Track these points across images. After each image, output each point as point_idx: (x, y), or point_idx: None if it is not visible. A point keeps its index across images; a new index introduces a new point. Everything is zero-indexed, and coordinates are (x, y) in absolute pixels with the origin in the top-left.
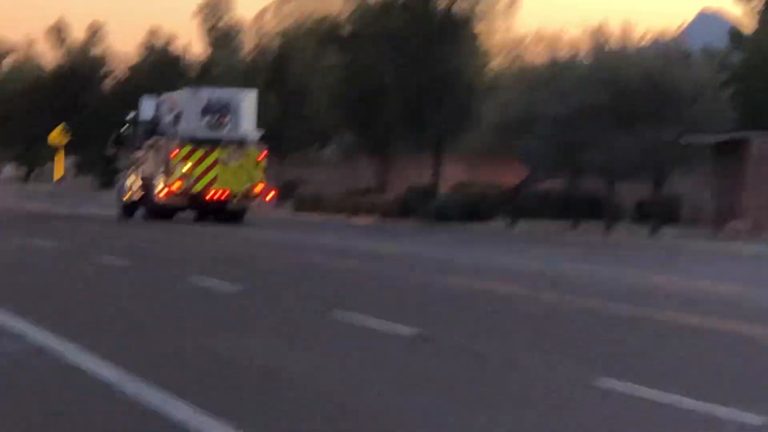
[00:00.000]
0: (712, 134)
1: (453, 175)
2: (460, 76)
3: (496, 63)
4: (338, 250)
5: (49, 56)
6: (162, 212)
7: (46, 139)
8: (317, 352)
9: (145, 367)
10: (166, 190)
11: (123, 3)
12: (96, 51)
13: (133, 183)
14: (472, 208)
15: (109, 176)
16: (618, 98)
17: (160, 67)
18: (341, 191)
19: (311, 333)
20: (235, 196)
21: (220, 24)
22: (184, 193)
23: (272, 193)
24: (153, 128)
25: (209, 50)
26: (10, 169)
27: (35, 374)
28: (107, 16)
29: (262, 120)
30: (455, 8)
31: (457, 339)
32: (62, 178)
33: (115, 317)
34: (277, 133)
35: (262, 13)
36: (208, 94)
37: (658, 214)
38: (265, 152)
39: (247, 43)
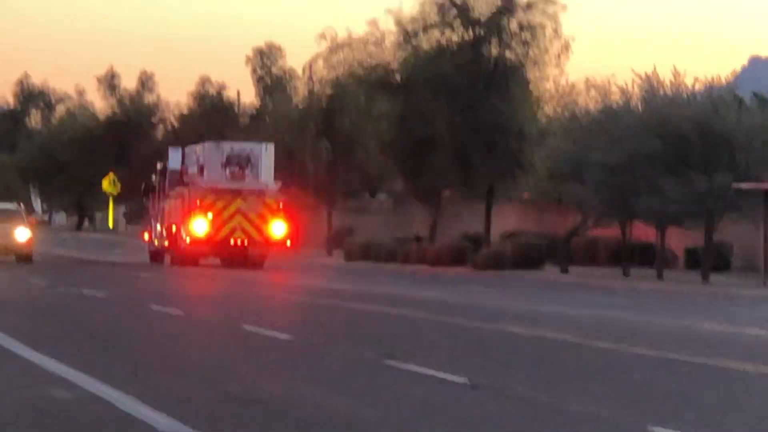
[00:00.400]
0: (763, 181)
1: (504, 222)
2: (511, 122)
3: (547, 109)
4: (390, 298)
5: (100, 105)
6: (187, 258)
7: (97, 187)
8: (370, 399)
9: (198, 415)
10: (190, 237)
11: (174, 52)
12: (147, 99)
13: (160, 230)
14: (524, 255)
15: None
16: (669, 144)
17: (212, 115)
18: (392, 239)
19: (364, 380)
20: (255, 244)
21: (272, 72)
22: (208, 240)
23: (289, 241)
24: (179, 178)
25: (260, 98)
26: (62, 217)
27: (89, 422)
28: (158, 65)
29: (313, 169)
30: (506, 55)
31: (509, 386)
32: (113, 227)
33: (169, 365)
34: (328, 181)
35: (313, 60)
36: (229, 147)
37: (709, 260)
38: (283, 202)
39: (299, 91)
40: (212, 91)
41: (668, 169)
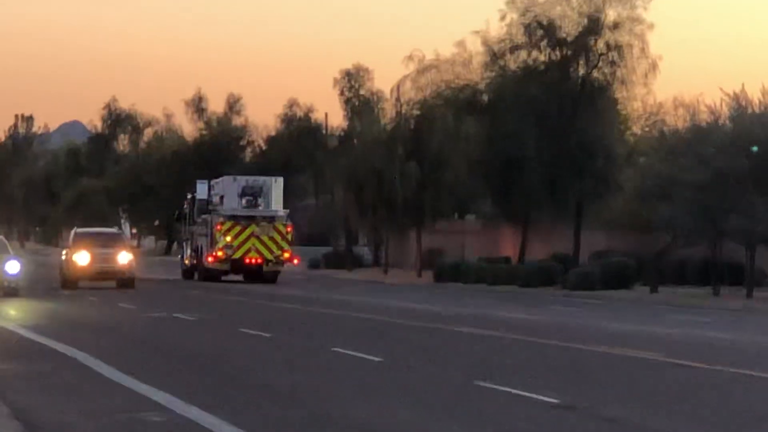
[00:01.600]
0: None
1: (593, 242)
2: (599, 143)
3: (635, 129)
4: (479, 319)
5: (188, 128)
6: (210, 275)
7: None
8: (461, 420)
9: None
10: (212, 257)
11: (261, 75)
12: (235, 122)
13: (190, 251)
14: (613, 275)
15: None
16: (758, 163)
17: (299, 138)
18: (481, 259)
19: (455, 401)
20: (268, 262)
21: (360, 94)
22: (227, 259)
23: (297, 260)
24: (205, 207)
25: (348, 120)
26: (150, 241)
27: None
28: (246, 88)
29: (402, 190)
30: (593, 75)
31: (600, 406)
32: None
33: (263, 387)
34: (417, 202)
35: (401, 82)
36: (244, 180)
37: None
38: (291, 226)
39: (387, 113)
40: (300, 113)
41: (757, 188)
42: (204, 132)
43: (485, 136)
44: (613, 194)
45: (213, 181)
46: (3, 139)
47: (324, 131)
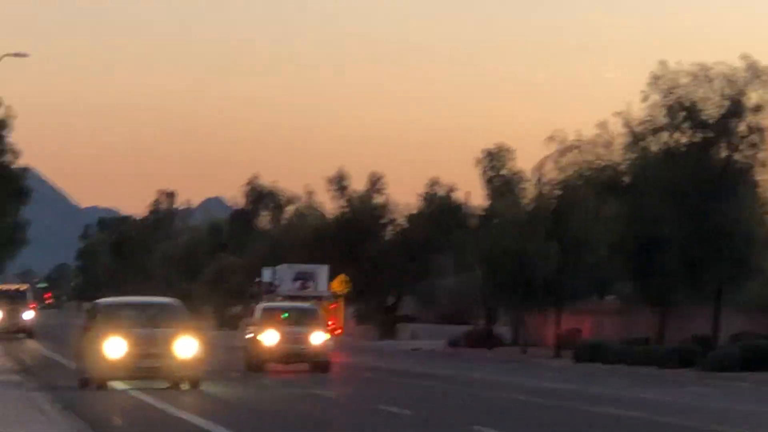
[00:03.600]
0: None
1: (732, 325)
2: (738, 226)
3: None
4: (616, 399)
5: (329, 206)
6: None
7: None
8: None
9: None
10: None
11: (402, 154)
12: (376, 200)
13: None
14: (753, 358)
15: (389, 326)
16: None
17: (440, 216)
18: (621, 340)
19: None
20: None
21: (501, 173)
22: None
23: (339, 330)
24: (269, 288)
25: (489, 199)
26: None
27: None
28: (388, 166)
29: (541, 270)
30: (735, 157)
31: None
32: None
33: None
34: (557, 282)
35: (543, 162)
36: (298, 267)
37: None
38: (335, 304)
39: (527, 193)
40: (441, 192)
41: None
42: (345, 210)
43: (625, 217)
44: (753, 277)
45: (276, 267)
46: (146, 214)
47: (465, 210)
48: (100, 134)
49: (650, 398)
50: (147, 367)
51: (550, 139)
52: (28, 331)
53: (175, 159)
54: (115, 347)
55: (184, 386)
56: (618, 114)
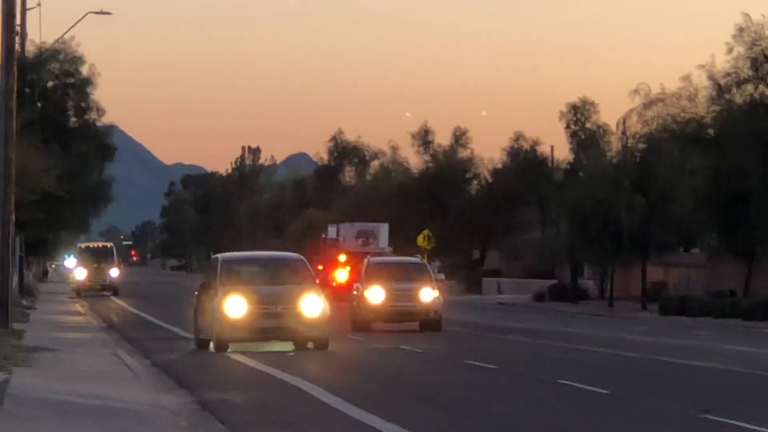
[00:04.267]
0: None
1: None
2: None
3: None
4: (704, 352)
5: (414, 161)
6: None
7: (412, 243)
8: None
9: None
10: (335, 281)
11: (487, 108)
12: (461, 155)
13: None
14: None
15: (474, 280)
16: None
17: (525, 171)
18: (706, 293)
19: None
20: None
21: (585, 127)
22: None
23: None
24: (334, 244)
25: (574, 153)
26: None
27: None
28: (471, 121)
29: (627, 223)
30: None
31: None
32: None
33: (492, 420)
34: (643, 236)
35: (627, 116)
36: (359, 224)
37: None
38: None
39: (612, 146)
40: (526, 146)
41: None
42: (430, 164)
43: (710, 169)
44: None
45: (339, 225)
46: (230, 170)
47: (550, 164)
48: (184, 91)
49: (745, 350)
50: (271, 327)
51: (635, 92)
52: (114, 289)
53: (259, 115)
54: (235, 306)
55: (310, 346)
56: (702, 67)
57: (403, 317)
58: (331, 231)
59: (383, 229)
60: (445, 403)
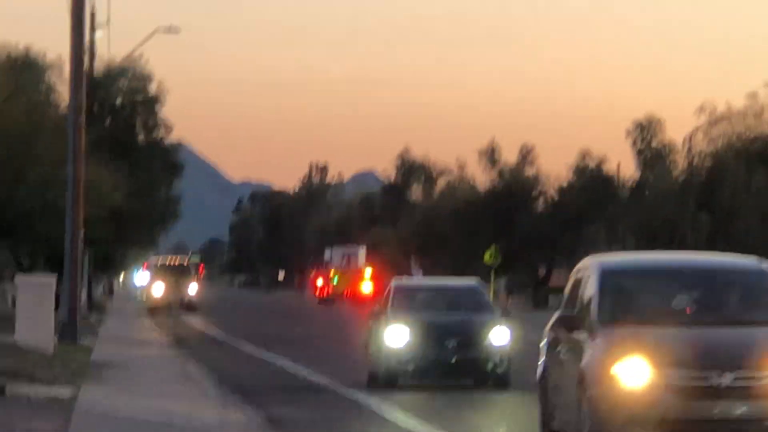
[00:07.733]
0: None
1: None
2: None
3: None
4: None
5: (480, 178)
6: (328, 300)
7: (479, 260)
8: None
9: None
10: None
11: (553, 125)
12: (527, 172)
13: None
14: None
15: (541, 297)
16: None
17: (591, 188)
18: None
19: None
20: (352, 294)
21: (651, 145)
22: (335, 291)
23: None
24: (327, 264)
25: (640, 171)
26: None
27: None
28: (538, 138)
29: (693, 241)
30: None
31: None
32: (493, 299)
33: None
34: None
35: (693, 133)
36: (344, 248)
37: None
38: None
39: (678, 164)
40: (592, 164)
41: None
42: (496, 182)
43: None
44: None
45: (333, 248)
46: (298, 188)
47: (616, 182)
48: (251, 108)
49: None
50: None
51: (700, 110)
52: (192, 306)
53: (327, 133)
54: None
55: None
56: None
57: (451, 372)
58: (327, 252)
59: (361, 251)
60: None
